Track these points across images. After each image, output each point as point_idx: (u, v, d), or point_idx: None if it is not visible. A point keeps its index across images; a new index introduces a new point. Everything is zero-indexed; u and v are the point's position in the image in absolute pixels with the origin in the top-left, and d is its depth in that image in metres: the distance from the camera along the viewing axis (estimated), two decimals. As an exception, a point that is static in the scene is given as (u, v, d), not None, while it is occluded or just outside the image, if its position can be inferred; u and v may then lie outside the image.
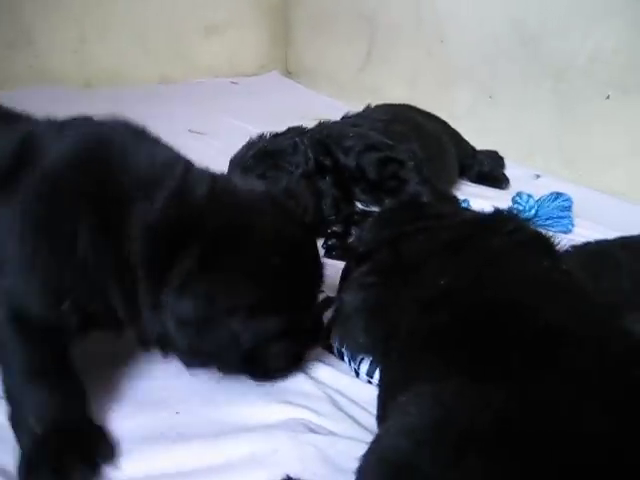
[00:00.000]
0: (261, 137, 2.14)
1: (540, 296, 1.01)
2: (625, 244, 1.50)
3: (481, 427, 0.77)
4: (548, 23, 2.92)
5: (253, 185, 1.34)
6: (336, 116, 2.87)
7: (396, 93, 3.65)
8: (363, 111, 2.54)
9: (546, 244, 1.26)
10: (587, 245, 1.56)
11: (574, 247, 1.56)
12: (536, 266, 1.13)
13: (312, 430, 1.13)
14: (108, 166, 1.18)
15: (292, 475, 1.00)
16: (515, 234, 1.26)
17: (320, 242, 1.94)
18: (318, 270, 1.31)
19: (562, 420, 0.78)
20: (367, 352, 1.26)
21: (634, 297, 1.23)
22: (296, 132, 2.14)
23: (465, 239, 1.23)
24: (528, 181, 2.81)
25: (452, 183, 2.53)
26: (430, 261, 1.20)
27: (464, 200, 2.20)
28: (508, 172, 2.87)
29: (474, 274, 1.09)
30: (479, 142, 2.94)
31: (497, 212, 1.39)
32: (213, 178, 1.26)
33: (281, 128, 2.87)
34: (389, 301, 1.20)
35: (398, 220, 1.44)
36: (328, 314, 1.42)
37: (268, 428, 1.16)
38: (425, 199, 2.03)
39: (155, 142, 1.30)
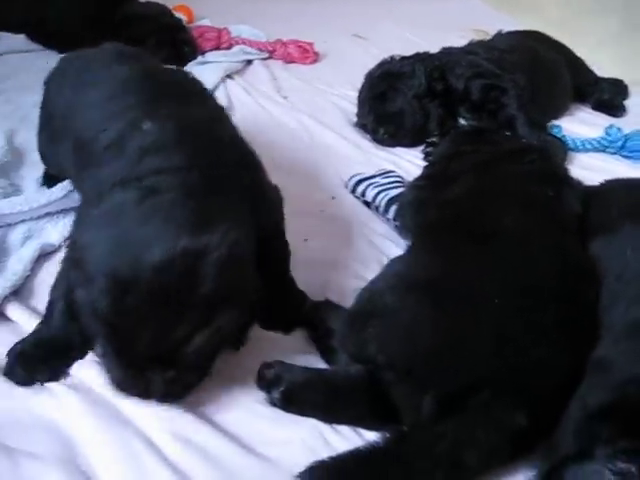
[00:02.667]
0: (392, 58, 2.64)
1: (506, 210, 1.51)
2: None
3: (421, 279, 1.34)
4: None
5: None
6: (493, 28, 3.24)
7: (549, 14, 3.93)
8: (493, 38, 2.97)
9: (552, 176, 1.73)
10: (611, 182, 1.92)
11: (606, 182, 1.94)
12: (525, 189, 1.62)
13: (356, 276, 1.70)
14: None
15: (331, 300, 1.58)
16: (531, 164, 1.74)
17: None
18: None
19: (468, 286, 1.32)
20: (411, 231, 1.78)
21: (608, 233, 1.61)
22: (419, 57, 2.62)
23: (490, 163, 1.73)
24: (646, 112, 3.05)
25: (563, 109, 2.90)
26: (461, 175, 1.72)
27: (557, 126, 2.61)
28: (630, 101, 3.09)
29: (475, 188, 1.61)
30: (617, 70, 3.24)
31: (530, 146, 1.88)
32: None
33: (437, 38, 3.32)
34: (428, 199, 1.73)
35: (460, 141, 1.95)
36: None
37: (325, 273, 1.74)
38: (518, 122, 2.49)
39: None
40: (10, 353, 1.38)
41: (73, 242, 1.33)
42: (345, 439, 1.29)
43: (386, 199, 1.99)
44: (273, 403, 1.33)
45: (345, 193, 2.15)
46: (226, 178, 1.35)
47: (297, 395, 1.32)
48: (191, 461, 1.23)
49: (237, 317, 1.24)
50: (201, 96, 1.74)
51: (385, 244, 1.90)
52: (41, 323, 1.43)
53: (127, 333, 1.16)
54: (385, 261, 1.71)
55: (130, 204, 1.22)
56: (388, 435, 1.23)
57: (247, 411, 1.34)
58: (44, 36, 3.19)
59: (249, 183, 1.43)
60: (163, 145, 1.36)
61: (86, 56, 1.86)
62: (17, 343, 1.39)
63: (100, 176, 1.39)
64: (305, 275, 1.72)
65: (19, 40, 3.25)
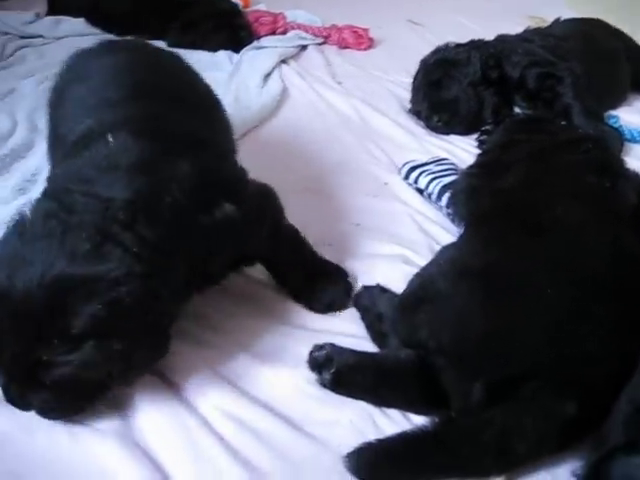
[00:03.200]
0: (447, 46, 2.64)
1: (560, 199, 1.50)
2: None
3: (474, 267, 1.35)
4: None
5: None
6: (550, 15, 3.21)
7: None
8: (550, 25, 2.93)
9: (609, 166, 1.71)
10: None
11: None
12: (580, 179, 1.61)
13: (406, 262, 1.73)
14: None
15: (382, 285, 1.59)
16: (586, 154, 1.73)
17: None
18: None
19: (520, 275, 1.32)
20: (464, 219, 1.76)
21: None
22: (475, 45, 2.61)
23: (545, 152, 1.72)
24: None
25: (621, 99, 2.84)
26: (515, 164, 1.71)
27: (614, 116, 2.58)
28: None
29: (529, 177, 1.60)
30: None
31: (586, 136, 1.86)
32: None
33: (492, 24, 3.29)
34: (481, 187, 1.73)
35: (515, 130, 1.94)
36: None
37: (376, 258, 1.77)
38: (574, 112, 2.46)
39: None
40: None
41: None
42: (393, 422, 1.31)
43: (439, 186, 2.00)
44: (323, 384, 1.35)
45: (398, 179, 2.16)
46: (165, 216, 1.26)
47: (347, 377, 1.34)
48: (242, 438, 1.27)
49: (111, 353, 1.15)
50: (190, 96, 1.65)
51: (437, 231, 1.91)
52: None
53: None
54: (436, 248, 1.73)
55: (40, 217, 1.20)
56: (437, 420, 1.24)
57: (297, 391, 1.37)
58: (100, 20, 3.25)
59: (212, 213, 1.33)
60: (114, 167, 1.29)
61: (94, 48, 1.78)
62: None
63: (55, 175, 1.40)
64: (355, 260, 1.76)
65: (79, 24, 3.33)
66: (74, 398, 1.22)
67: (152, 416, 1.29)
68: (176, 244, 1.25)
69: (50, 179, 1.40)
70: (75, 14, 3.37)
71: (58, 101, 1.67)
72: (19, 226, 1.20)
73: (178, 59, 1.83)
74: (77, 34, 3.24)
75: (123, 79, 1.57)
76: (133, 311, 1.15)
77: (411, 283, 1.44)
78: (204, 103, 1.69)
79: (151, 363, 1.30)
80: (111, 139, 1.33)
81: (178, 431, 1.27)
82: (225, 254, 1.38)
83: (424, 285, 1.39)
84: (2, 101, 2.55)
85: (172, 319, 1.29)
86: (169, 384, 1.36)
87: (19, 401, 1.20)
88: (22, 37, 3.24)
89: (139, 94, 1.52)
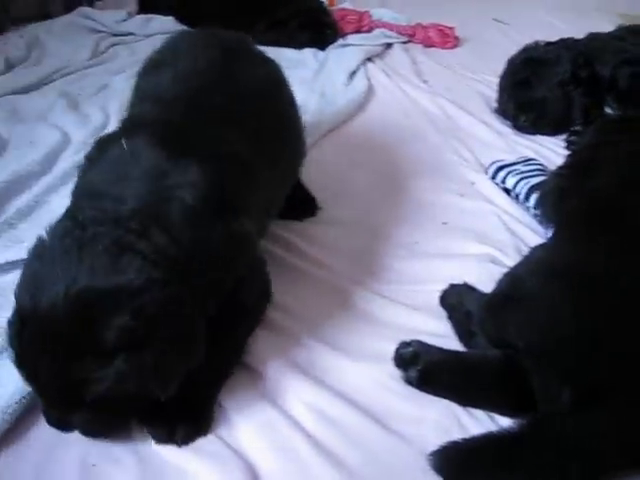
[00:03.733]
0: (536, 44, 2.60)
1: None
2: None
3: (564, 268, 1.33)
4: None
5: None
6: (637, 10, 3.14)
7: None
8: (640, 24, 2.86)
9: None
10: None
11: None
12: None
13: (493, 261, 1.71)
14: None
15: (469, 283, 1.58)
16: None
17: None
18: None
19: (613, 279, 1.28)
20: (552, 220, 1.72)
21: None
22: (565, 44, 2.57)
23: (638, 152, 1.68)
24: None
25: None
26: (607, 165, 1.68)
27: None
28: None
29: (622, 179, 1.57)
30: None
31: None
32: None
33: (582, 22, 3.24)
34: (571, 188, 1.70)
35: (606, 131, 1.91)
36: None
37: (463, 256, 1.77)
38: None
39: None
40: None
41: None
42: (479, 423, 1.30)
43: (527, 187, 1.97)
44: (409, 381, 1.35)
45: (485, 179, 2.14)
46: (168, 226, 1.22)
47: (434, 375, 1.34)
48: (325, 431, 1.28)
49: (144, 364, 1.12)
50: (254, 116, 1.54)
51: (524, 232, 1.89)
52: None
53: (27, 365, 1.15)
54: (523, 249, 1.72)
55: (57, 237, 1.19)
56: (523, 422, 1.22)
57: (380, 387, 1.37)
58: (189, 18, 3.32)
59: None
60: (122, 177, 1.28)
61: (189, 34, 1.82)
62: None
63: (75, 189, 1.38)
64: (442, 258, 1.77)
65: (168, 22, 3.42)
66: (114, 414, 1.20)
67: (234, 408, 1.31)
68: (191, 251, 1.23)
69: (72, 194, 1.37)
70: (165, 12, 3.46)
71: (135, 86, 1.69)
72: (38, 249, 1.19)
73: (273, 68, 1.76)
74: (166, 32, 3.30)
75: (190, 78, 1.54)
76: (159, 318, 1.14)
77: (500, 282, 1.43)
78: (267, 128, 1.57)
79: (184, 371, 1.22)
80: (125, 145, 1.32)
81: (261, 423, 1.28)
82: (239, 268, 1.36)
83: (513, 284, 1.38)
84: (96, 96, 2.65)
85: (200, 327, 1.24)
86: (253, 377, 1.38)
87: (60, 424, 1.19)
88: (114, 35, 3.35)
89: (193, 98, 1.49)
